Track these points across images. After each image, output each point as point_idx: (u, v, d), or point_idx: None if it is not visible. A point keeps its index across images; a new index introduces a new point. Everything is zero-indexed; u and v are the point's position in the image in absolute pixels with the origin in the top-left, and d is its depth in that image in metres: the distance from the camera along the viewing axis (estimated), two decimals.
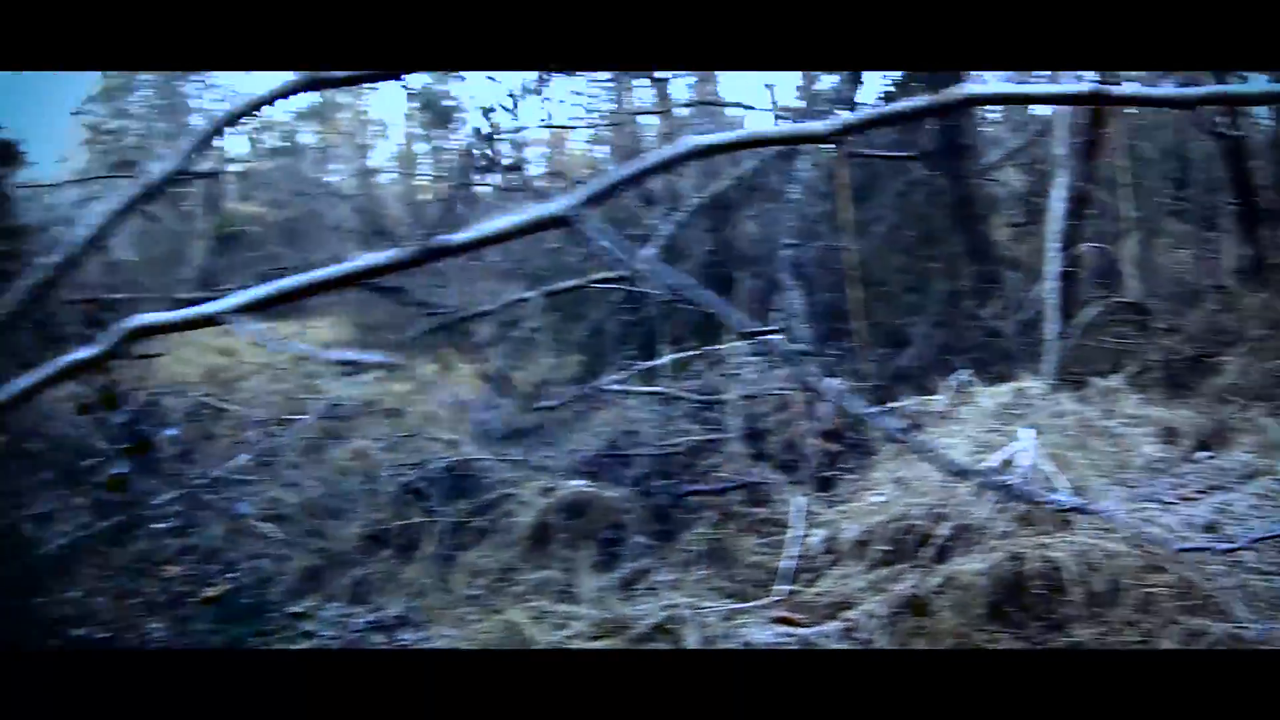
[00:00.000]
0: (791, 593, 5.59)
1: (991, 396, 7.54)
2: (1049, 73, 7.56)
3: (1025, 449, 6.19)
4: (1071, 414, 7.54)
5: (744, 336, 5.59)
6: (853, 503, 6.50)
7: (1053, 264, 9.84)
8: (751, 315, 10.26)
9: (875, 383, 9.04)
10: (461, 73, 14.35)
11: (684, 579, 5.63)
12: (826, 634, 5.03)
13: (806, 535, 6.12)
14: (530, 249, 12.67)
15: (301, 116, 22.00)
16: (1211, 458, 7.54)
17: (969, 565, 5.31)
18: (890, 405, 8.04)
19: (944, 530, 5.73)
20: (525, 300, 10.68)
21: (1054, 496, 5.81)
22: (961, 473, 5.72)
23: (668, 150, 4.51)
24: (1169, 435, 7.95)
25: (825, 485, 7.02)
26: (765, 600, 5.50)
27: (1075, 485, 6.16)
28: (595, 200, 4.28)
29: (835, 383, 7.75)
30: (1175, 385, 9.08)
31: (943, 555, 5.59)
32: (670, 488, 6.79)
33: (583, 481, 6.73)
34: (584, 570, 5.78)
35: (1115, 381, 8.58)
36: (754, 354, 8.13)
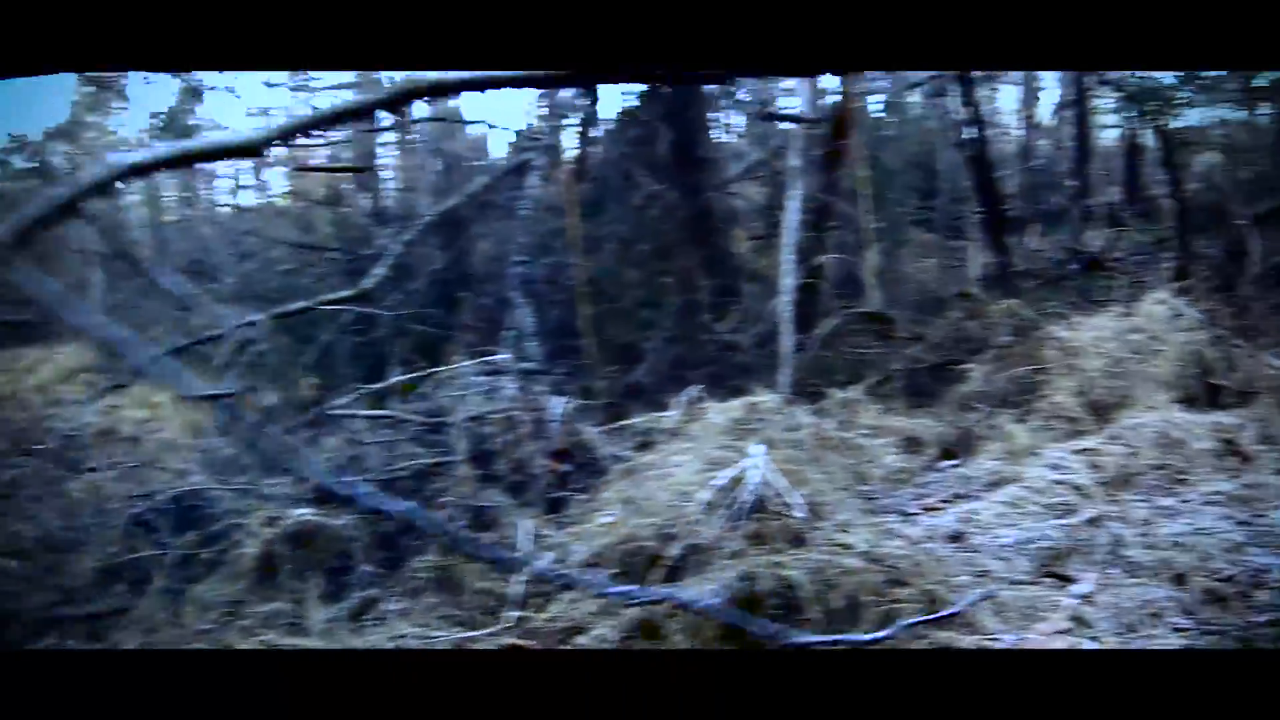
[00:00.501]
0: (520, 619, 4.96)
1: (723, 412, 6.89)
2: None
3: (756, 465, 5.52)
4: (807, 427, 6.96)
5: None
6: (583, 524, 5.81)
7: (788, 277, 9.36)
8: (481, 334, 9.53)
9: (607, 400, 8.34)
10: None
11: (413, 608, 5.26)
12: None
13: (534, 559, 5.39)
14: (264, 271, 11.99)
15: None
16: (956, 466, 7.10)
17: (700, 586, 4.75)
18: (621, 423, 7.31)
19: (674, 550, 5.12)
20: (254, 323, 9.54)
21: (789, 512, 5.21)
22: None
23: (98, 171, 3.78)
24: (911, 445, 7.50)
25: (555, 507, 6.39)
26: (495, 628, 4.93)
27: (812, 500, 5.54)
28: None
29: (563, 401, 7.06)
30: (918, 395, 8.69)
31: (673, 575, 5.02)
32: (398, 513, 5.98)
33: (309, 510, 5.87)
34: (313, 601, 5.34)
35: (854, 393, 8.11)
36: (481, 374, 7.33)
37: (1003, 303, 9.72)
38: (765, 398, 7.04)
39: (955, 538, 5.77)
